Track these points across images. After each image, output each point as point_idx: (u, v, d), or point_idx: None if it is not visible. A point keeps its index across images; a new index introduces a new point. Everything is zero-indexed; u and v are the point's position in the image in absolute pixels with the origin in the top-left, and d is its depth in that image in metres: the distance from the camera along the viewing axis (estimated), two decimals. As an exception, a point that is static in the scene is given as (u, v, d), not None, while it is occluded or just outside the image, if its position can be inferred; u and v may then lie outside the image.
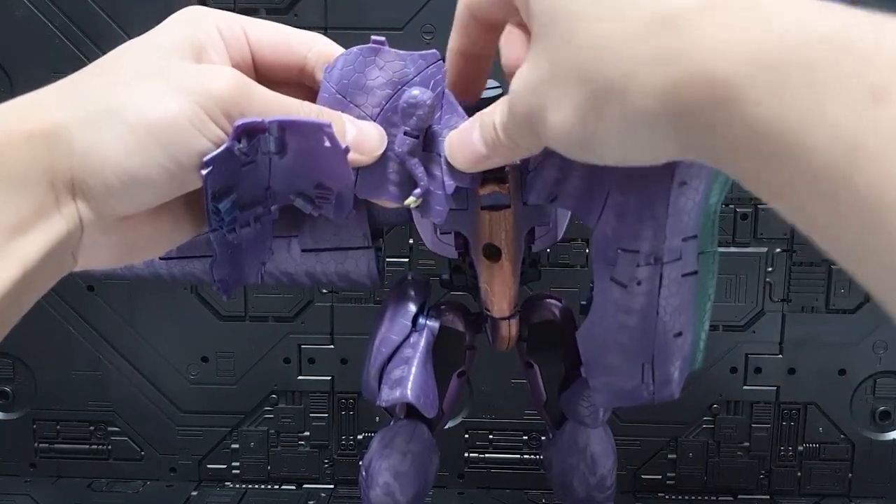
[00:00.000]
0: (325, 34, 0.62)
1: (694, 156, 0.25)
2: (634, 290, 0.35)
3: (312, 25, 0.61)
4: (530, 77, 0.29)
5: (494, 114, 0.32)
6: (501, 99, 0.31)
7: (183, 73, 0.30)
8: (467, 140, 0.34)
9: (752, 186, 0.24)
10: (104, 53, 0.32)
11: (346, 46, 0.36)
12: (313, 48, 0.35)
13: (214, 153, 0.30)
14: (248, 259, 0.38)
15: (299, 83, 0.36)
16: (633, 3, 0.25)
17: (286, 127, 0.31)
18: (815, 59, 0.21)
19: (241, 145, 0.31)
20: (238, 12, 0.64)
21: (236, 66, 0.34)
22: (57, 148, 0.28)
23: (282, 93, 0.33)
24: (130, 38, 0.32)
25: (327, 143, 0.32)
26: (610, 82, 0.25)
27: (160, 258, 0.41)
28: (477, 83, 0.37)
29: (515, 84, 0.29)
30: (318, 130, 0.31)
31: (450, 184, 0.35)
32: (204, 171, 0.30)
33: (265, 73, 0.35)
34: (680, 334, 0.37)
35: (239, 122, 0.30)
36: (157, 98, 0.29)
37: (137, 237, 0.32)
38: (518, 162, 0.38)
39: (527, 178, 0.37)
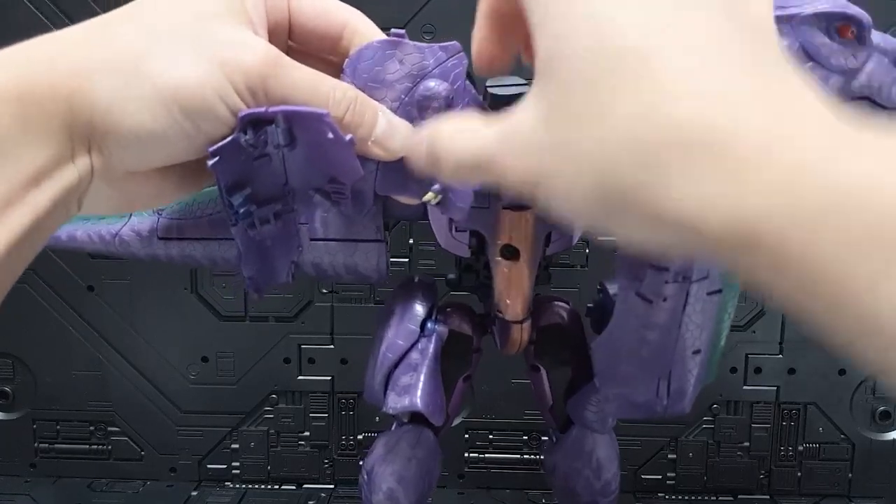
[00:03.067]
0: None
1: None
2: (660, 307, 0.35)
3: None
4: (532, 136, 0.24)
5: (453, 138, 0.27)
6: (482, 129, 0.26)
7: (216, 42, 0.30)
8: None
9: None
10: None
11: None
12: (350, 25, 0.35)
13: (220, 144, 0.30)
14: (277, 257, 0.38)
15: (330, 59, 0.35)
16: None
17: (291, 117, 0.31)
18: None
19: (248, 136, 0.30)
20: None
21: (272, 31, 0.33)
22: (80, 99, 0.28)
23: (314, 67, 0.32)
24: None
25: (330, 135, 0.31)
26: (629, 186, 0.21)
27: (159, 237, 0.41)
28: (505, 49, 0.31)
29: (513, 135, 0.25)
30: (318, 120, 0.31)
31: None
32: (210, 162, 0.30)
33: (300, 42, 0.35)
34: (699, 351, 0.37)
35: (243, 112, 0.30)
36: (185, 64, 0.29)
37: (141, 191, 0.32)
38: None
39: None
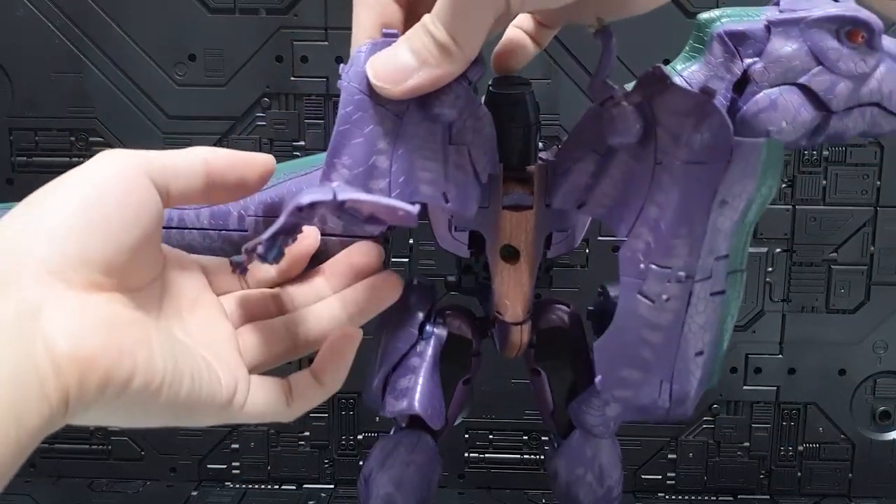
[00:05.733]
0: (325, 34, 0.62)
1: None
2: (662, 307, 0.35)
3: (312, 25, 0.61)
4: None
5: (425, 18, 0.31)
6: None
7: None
8: (391, 55, 0.32)
9: None
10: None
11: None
12: None
13: (277, 227, 0.31)
14: None
15: None
16: None
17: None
18: None
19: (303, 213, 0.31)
20: (238, 13, 0.63)
21: None
22: None
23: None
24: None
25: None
26: None
27: (163, 227, 0.41)
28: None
29: None
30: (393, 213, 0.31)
31: (483, 174, 0.35)
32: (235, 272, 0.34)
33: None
34: (701, 353, 0.36)
35: (304, 200, 0.30)
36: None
37: None
38: (542, 162, 0.38)
39: (553, 180, 0.37)
